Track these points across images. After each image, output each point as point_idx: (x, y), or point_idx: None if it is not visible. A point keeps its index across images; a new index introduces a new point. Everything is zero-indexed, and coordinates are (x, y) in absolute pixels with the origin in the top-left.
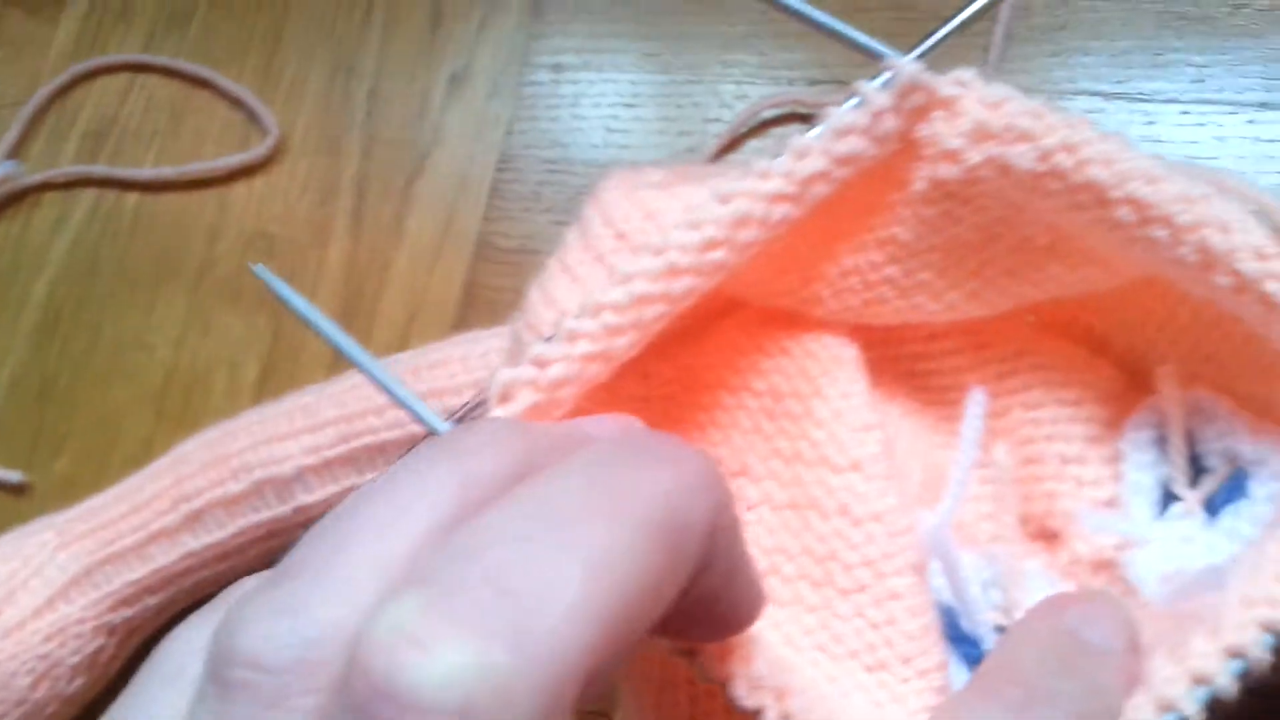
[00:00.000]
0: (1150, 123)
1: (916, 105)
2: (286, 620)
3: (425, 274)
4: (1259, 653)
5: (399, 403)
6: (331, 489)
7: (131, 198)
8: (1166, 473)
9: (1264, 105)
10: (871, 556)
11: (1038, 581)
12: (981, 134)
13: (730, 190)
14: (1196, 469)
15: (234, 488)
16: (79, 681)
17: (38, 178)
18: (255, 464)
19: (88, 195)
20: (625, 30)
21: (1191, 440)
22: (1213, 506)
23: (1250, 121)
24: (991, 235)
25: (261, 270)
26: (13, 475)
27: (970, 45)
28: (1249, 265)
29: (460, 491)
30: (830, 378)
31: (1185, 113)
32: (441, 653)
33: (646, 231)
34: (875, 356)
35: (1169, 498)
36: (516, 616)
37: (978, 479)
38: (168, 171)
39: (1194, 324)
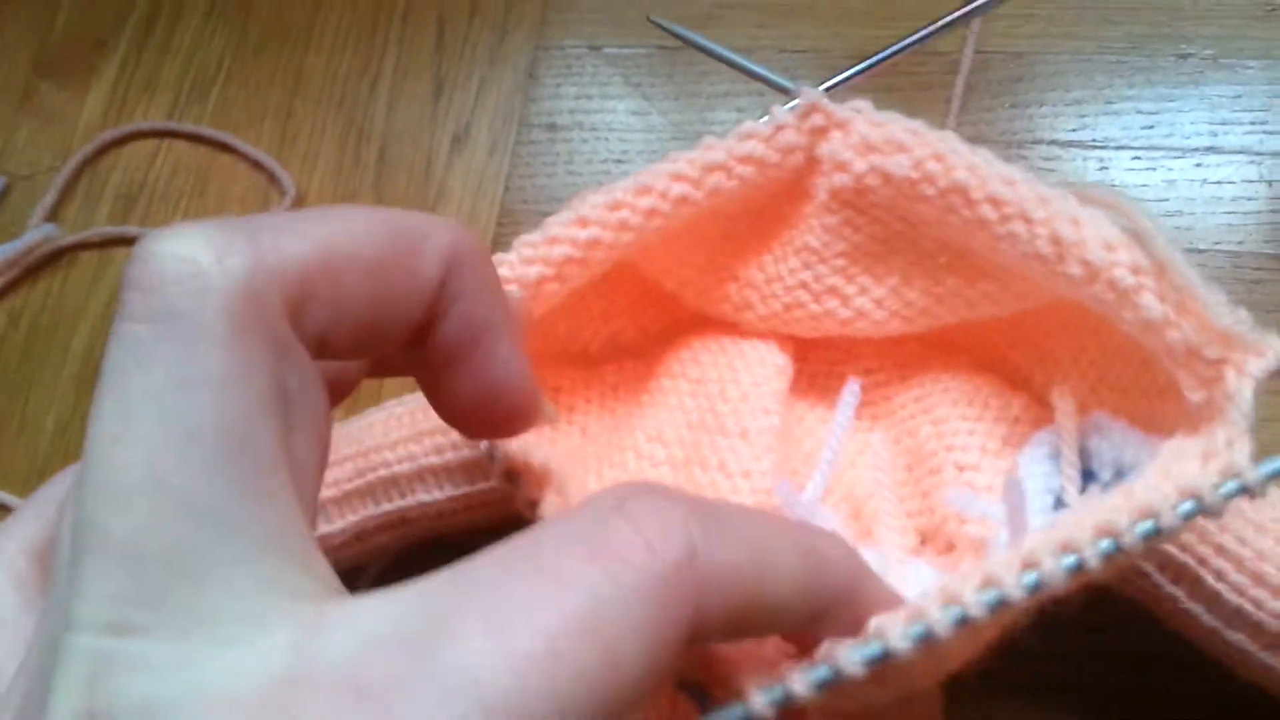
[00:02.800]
0: (1104, 168)
1: (817, 125)
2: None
3: None
4: (1053, 566)
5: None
6: (350, 518)
7: None
8: (1058, 483)
9: (1210, 150)
10: None
11: (921, 573)
12: (866, 146)
13: (643, 170)
14: (1090, 481)
15: None
16: None
17: (74, 238)
18: None
19: (121, 254)
20: (614, 91)
21: (1089, 456)
22: None
23: (1198, 165)
24: (891, 248)
25: None
26: None
27: (933, 98)
28: (1097, 254)
29: None
30: (750, 371)
31: (1136, 158)
32: (186, 230)
33: None
34: (819, 384)
35: (1059, 505)
36: (252, 227)
37: (878, 477)
38: None
39: (1101, 356)
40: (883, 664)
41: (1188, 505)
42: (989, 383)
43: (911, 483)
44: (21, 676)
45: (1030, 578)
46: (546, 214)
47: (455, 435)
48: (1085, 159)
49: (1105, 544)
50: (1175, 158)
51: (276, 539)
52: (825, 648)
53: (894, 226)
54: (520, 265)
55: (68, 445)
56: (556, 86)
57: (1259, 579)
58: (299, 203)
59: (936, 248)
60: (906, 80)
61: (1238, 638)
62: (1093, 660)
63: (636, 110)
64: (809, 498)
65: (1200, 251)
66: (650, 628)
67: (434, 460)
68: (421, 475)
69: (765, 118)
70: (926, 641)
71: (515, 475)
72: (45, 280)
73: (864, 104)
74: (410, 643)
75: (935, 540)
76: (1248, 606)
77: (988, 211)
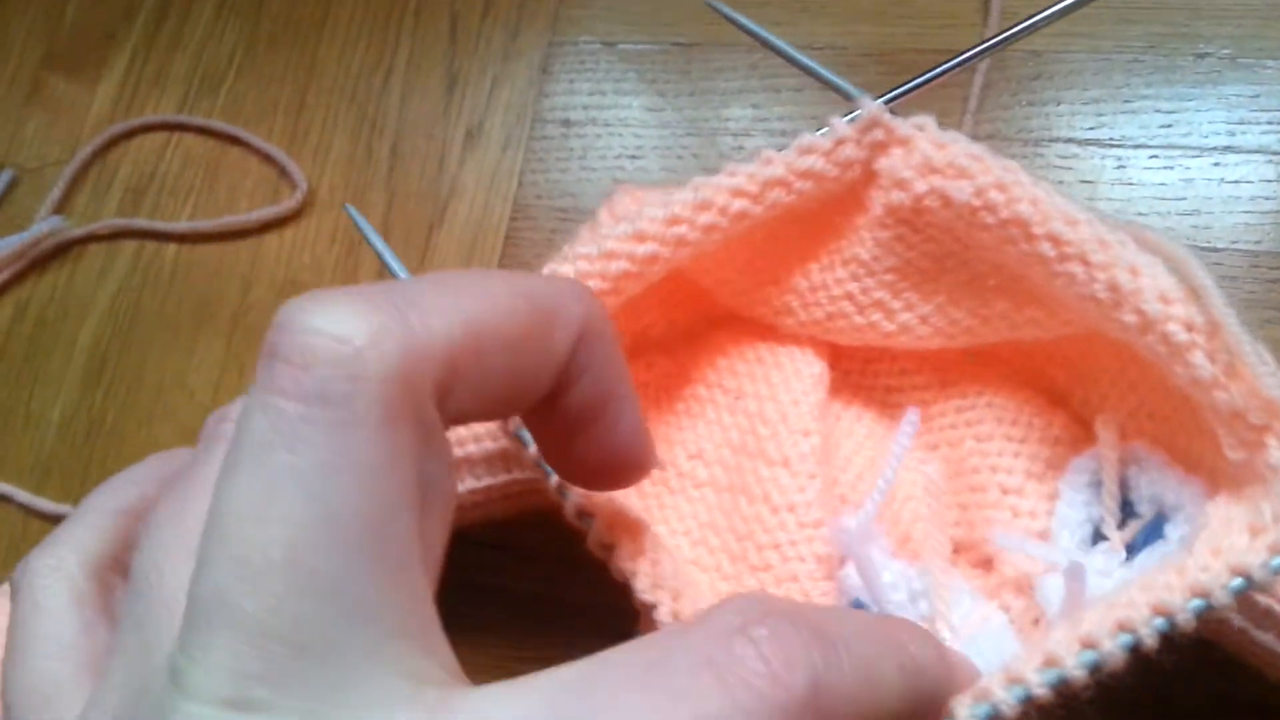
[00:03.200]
0: (1121, 167)
1: (877, 140)
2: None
3: None
4: (1111, 646)
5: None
6: None
7: (170, 249)
8: (1098, 514)
9: (1228, 149)
10: (779, 541)
11: (963, 598)
12: (928, 168)
13: (701, 182)
14: (1127, 513)
15: None
16: None
17: (82, 231)
18: None
19: (129, 246)
20: (629, 87)
21: (1126, 487)
22: (1133, 548)
23: (1215, 164)
24: (942, 267)
25: (350, 209)
26: (64, 509)
27: (950, 95)
28: (1153, 306)
29: None
30: (787, 386)
31: (1154, 156)
32: (335, 303)
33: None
34: (853, 382)
35: (1099, 537)
36: (401, 302)
37: (923, 493)
38: (204, 224)
39: (1141, 382)
40: None
41: (1238, 583)
42: (1031, 401)
43: (949, 492)
44: (101, 712)
45: (1089, 657)
46: (560, 209)
47: (477, 427)
48: (1103, 157)
49: (1160, 622)
50: (1193, 157)
51: (406, 625)
52: None
53: (947, 246)
54: (578, 279)
55: (73, 438)
56: (570, 82)
57: None
58: (310, 197)
59: (988, 270)
60: None
61: (1267, 638)
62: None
63: (651, 106)
64: (862, 523)
65: (1217, 250)
66: None
67: (454, 453)
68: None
69: (824, 130)
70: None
71: (587, 515)
72: (52, 272)
73: (927, 120)
74: None
75: (970, 552)
76: (1277, 606)
77: (1047, 249)
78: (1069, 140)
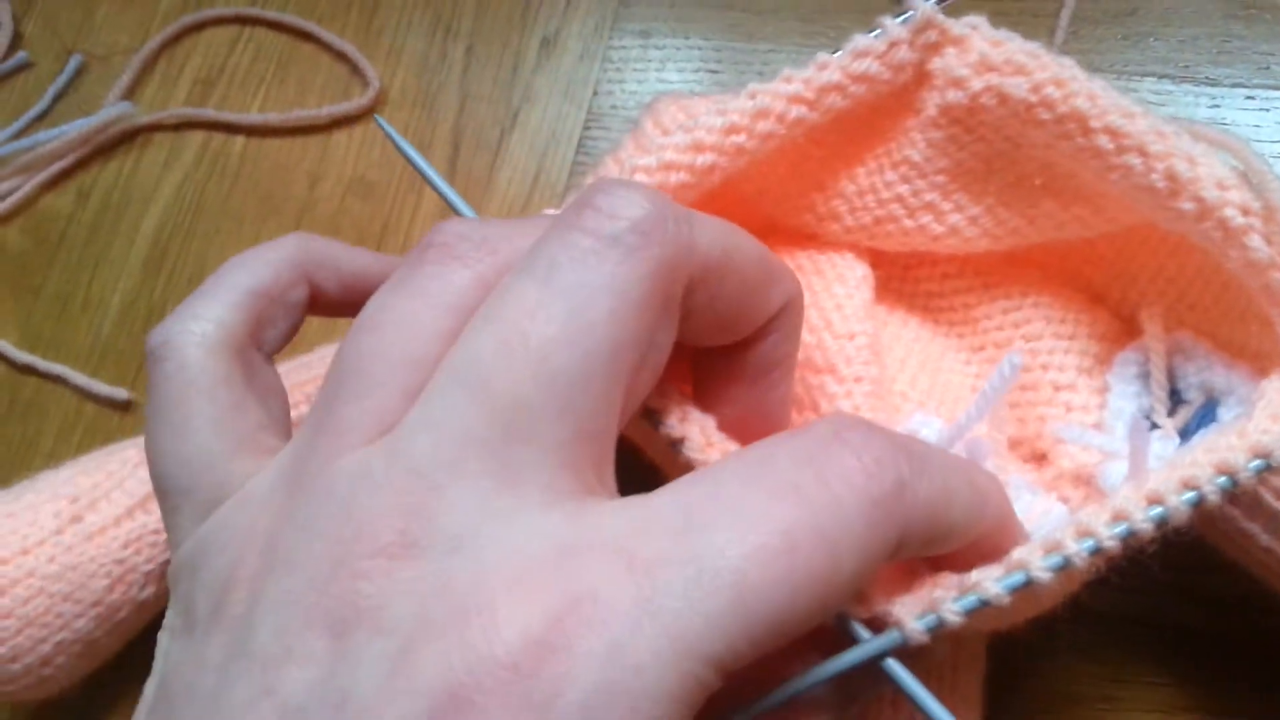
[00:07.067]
0: (1215, 106)
1: (931, 41)
2: (467, 224)
3: None
4: (1176, 502)
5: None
6: None
7: (238, 141)
8: (1148, 404)
9: None
10: None
11: (1022, 493)
12: (984, 65)
13: (758, 89)
14: (1176, 401)
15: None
16: (150, 590)
17: (149, 119)
18: None
19: (196, 137)
20: (711, 1)
21: (1173, 376)
22: (1186, 432)
23: None
24: (992, 168)
25: (381, 121)
26: (120, 392)
27: (1038, 25)
28: (1211, 192)
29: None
30: (830, 291)
31: (1250, 97)
32: (647, 190)
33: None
34: (895, 288)
35: (1153, 426)
36: (687, 212)
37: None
38: (273, 117)
39: (1180, 276)
40: (1023, 592)
41: None
42: (1074, 299)
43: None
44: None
45: (1157, 511)
46: (634, 121)
47: None
48: (1197, 95)
49: (1223, 480)
50: None
51: (593, 436)
52: (974, 576)
53: (997, 146)
54: None
55: (131, 324)
56: None
57: None
58: (381, 96)
59: (1035, 169)
60: (1014, 5)
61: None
62: (1169, 597)
63: (733, 22)
64: (950, 434)
65: None
66: (866, 540)
67: None
68: None
69: (876, 31)
70: (1064, 570)
71: (655, 413)
72: (118, 159)
73: (980, 20)
74: (672, 530)
75: (1020, 449)
76: None
77: (1104, 142)
78: (1163, 76)
